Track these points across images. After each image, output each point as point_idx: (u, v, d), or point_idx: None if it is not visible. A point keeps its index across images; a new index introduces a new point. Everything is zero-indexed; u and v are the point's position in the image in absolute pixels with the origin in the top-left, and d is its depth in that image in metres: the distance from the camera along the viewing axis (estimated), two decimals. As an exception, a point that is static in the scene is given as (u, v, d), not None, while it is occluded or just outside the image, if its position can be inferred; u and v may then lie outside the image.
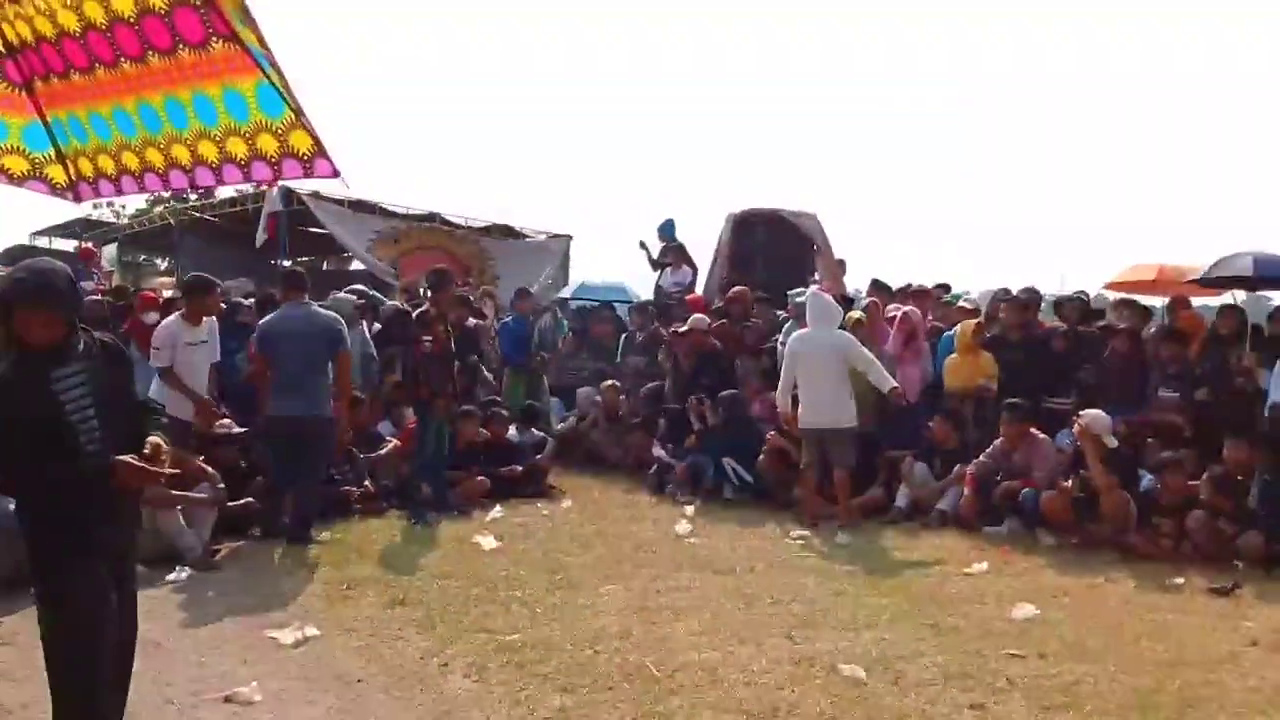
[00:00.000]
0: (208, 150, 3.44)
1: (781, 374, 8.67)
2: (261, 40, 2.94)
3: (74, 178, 3.78)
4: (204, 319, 7.89)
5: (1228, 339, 8.92)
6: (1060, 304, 10.75)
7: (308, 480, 7.66)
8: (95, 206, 32.72)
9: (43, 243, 26.22)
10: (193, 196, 30.82)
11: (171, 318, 7.91)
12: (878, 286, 11.28)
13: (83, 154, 3.73)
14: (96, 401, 3.24)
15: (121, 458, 3.24)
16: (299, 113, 3.19)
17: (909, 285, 11.37)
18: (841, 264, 13.95)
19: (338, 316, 7.98)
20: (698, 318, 10.88)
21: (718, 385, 10.15)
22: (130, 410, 3.49)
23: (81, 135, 3.66)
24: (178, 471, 3.61)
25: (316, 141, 3.27)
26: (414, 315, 8.92)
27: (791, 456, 9.03)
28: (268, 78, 3.10)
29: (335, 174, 3.32)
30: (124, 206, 33.10)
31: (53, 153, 3.74)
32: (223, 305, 10.95)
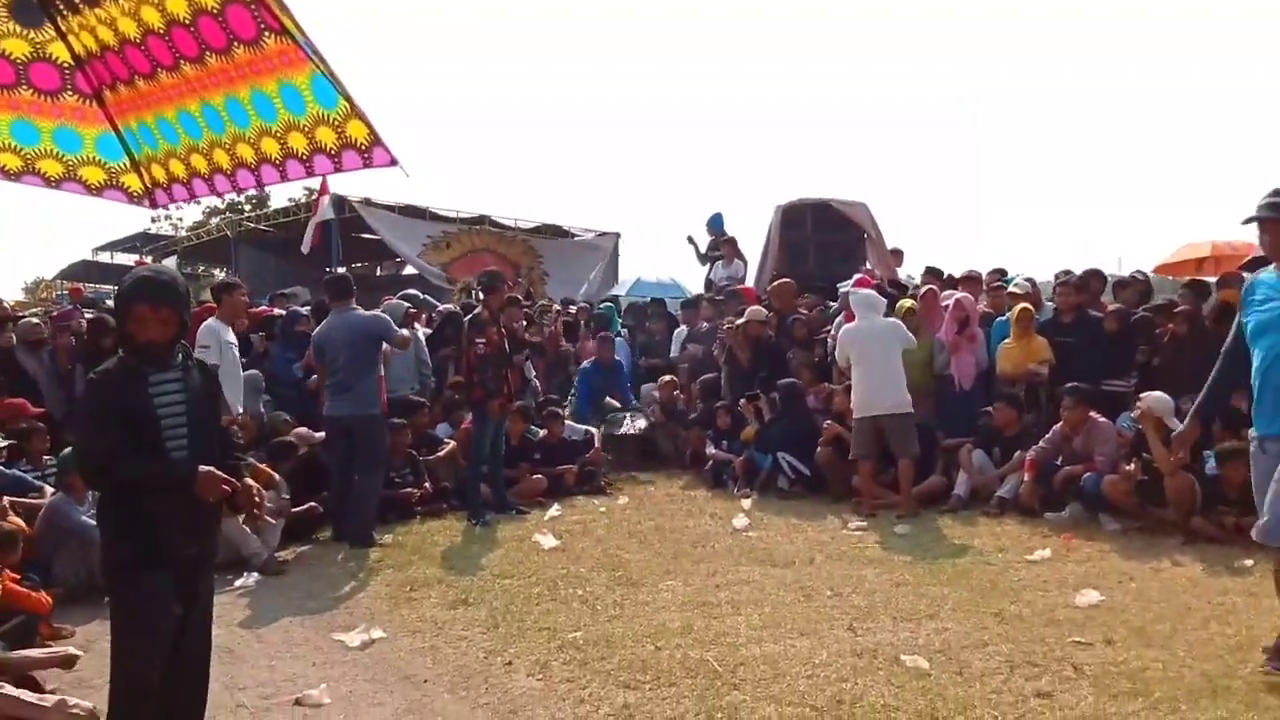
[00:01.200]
0: (270, 147, 3.49)
1: (837, 366, 8.65)
2: (300, 29, 2.99)
3: (149, 184, 3.86)
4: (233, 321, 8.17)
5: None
6: (1119, 285, 10.60)
7: (365, 482, 7.79)
8: (154, 220, 33.53)
9: (104, 258, 26.87)
10: (246, 207, 31.53)
11: (211, 319, 8.12)
12: (931, 273, 11.19)
13: (155, 160, 3.80)
14: (189, 412, 3.40)
15: (206, 467, 3.37)
16: (353, 103, 3.23)
17: (964, 272, 11.25)
18: (898, 253, 13.86)
19: (380, 315, 8.16)
20: (755, 309, 10.86)
21: (773, 377, 10.14)
22: (216, 431, 3.62)
23: (152, 141, 3.73)
24: (255, 499, 3.69)
25: (372, 131, 3.31)
26: (467, 317, 9.04)
27: (847, 444, 9.00)
28: (319, 69, 3.15)
29: (393, 162, 3.36)
30: (181, 219, 33.85)
31: (127, 161, 3.82)
32: (282, 313, 11.22)
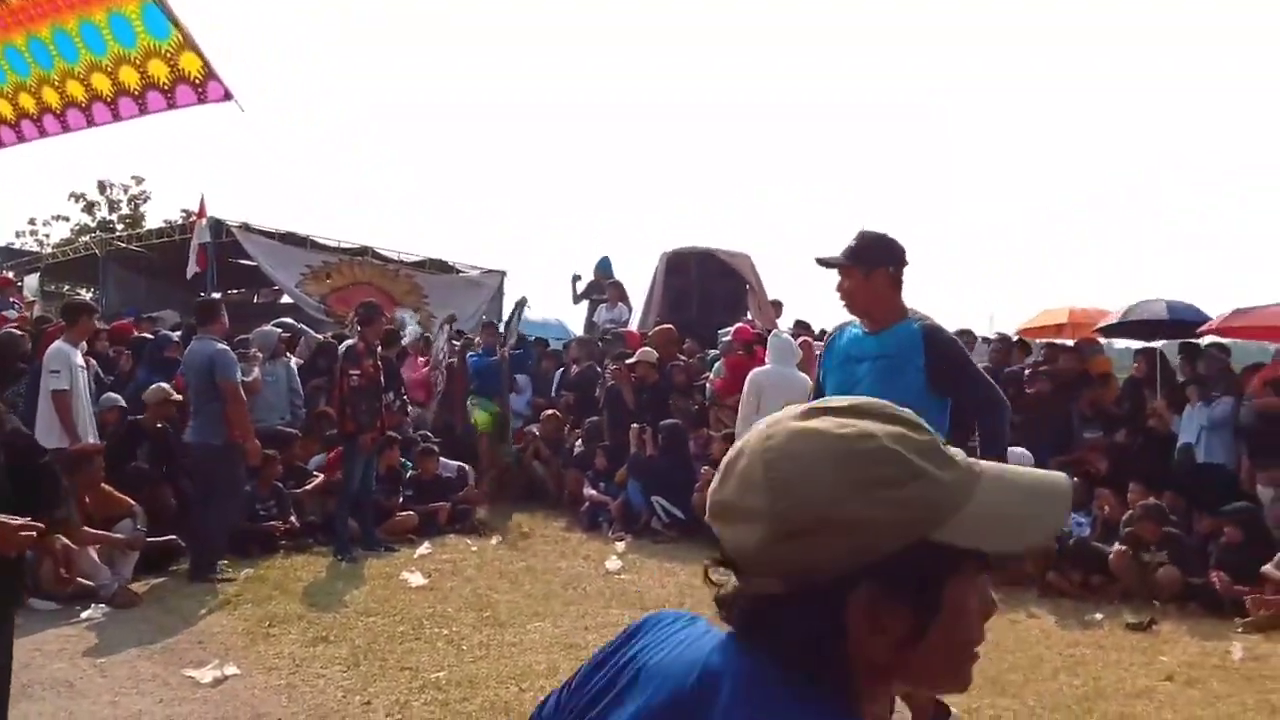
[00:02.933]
0: (101, 83, 3.33)
1: (742, 406, 8.60)
2: None
3: None
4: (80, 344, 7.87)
5: (1144, 382, 9.17)
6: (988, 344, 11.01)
7: (204, 513, 7.54)
8: (18, 235, 32.15)
9: (-39, 271, 25.57)
10: (119, 226, 30.43)
11: (59, 341, 7.79)
12: (800, 326, 11.47)
13: None
14: None
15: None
16: (186, 33, 3.12)
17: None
18: (777, 305, 14.16)
19: (224, 352, 7.61)
20: (645, 350, 10.93)
21: (656, 419, 10.21)
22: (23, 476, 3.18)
23: None
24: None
25: (206, 64, 3.19)
26: (341, 349, 8.86)
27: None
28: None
29: (228, 96, 3.23)
30: (48, 236, 32.51)
31: None
32: (149, 336, 10.84)
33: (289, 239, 16.46)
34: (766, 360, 8.80)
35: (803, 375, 8.81)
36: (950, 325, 10.52)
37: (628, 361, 10.82)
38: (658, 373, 10.78)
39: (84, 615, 6.33)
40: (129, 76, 3.23)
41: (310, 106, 71.59)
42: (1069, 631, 6.44)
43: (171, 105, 3.26)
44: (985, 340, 11.56)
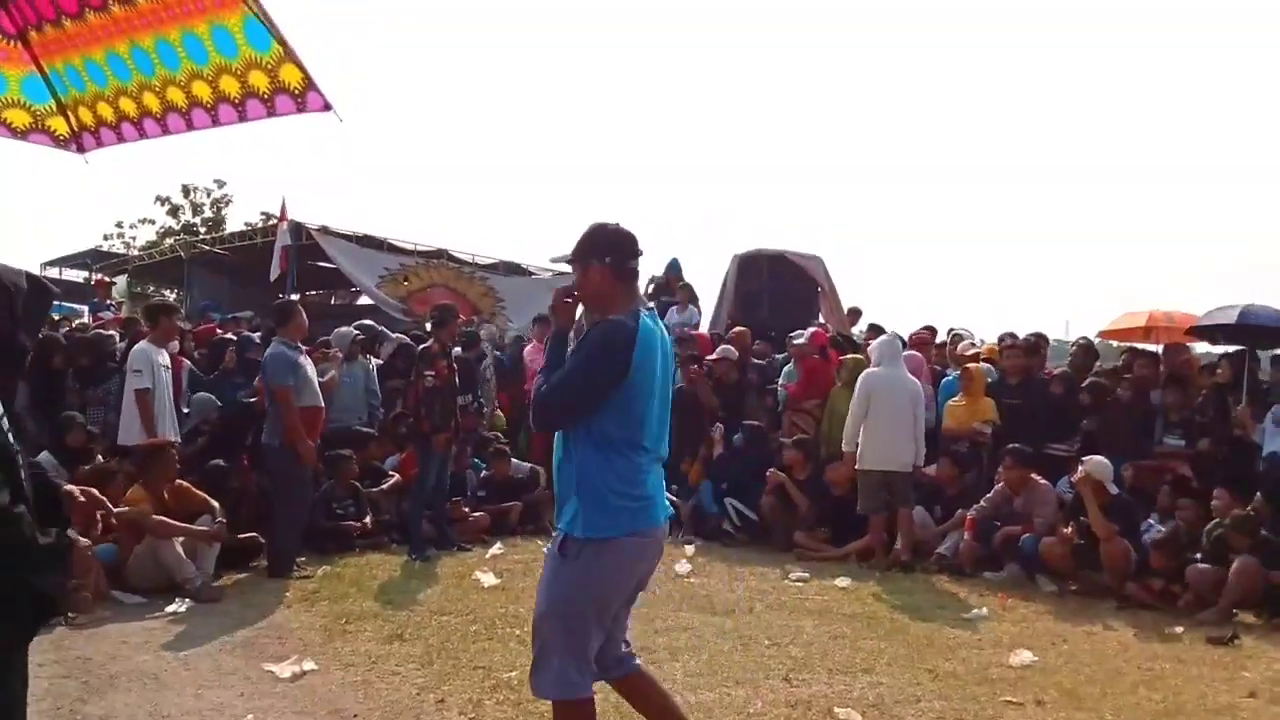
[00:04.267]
0: (201, 91, 3.40)
1: (852, 410, 8.58)
2: None
3: (76, 128, 3.74)
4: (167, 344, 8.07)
5: (1228, 388, 8.94)
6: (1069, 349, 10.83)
7: (278, 512, 7.71)
8: (106, 238, 33.15)
9: (53, 273, 26.46)
10: (201, 229, 31.18)
11: (143, 341, 8.02)
12: (875, 331, 11.36)
13: (82, 102, 3.68)
14: None
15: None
16: (287, 46, 3.18)
17: (915, 331, 11.42)
18: (855, 312, 14.07)
19: (274, 356, 7.65)
20: (726, 347, 10.97)
21: (733, 419, 10.23)
22: None
23: (79, 83, 3.61)
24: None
25: (306, 75, 3.25)
26: (417, 350, 9.00)
27: (792, 496, 9.06)
28: (252, 10, 3.10)
29: (327, 107, 3.28)
30: (134, 239, 33.49)
31: (53, 104, 3.69)
32: (233, 337, 11.11)
33: (367, 242, 16.73)
34: (874, 363, 8.73)
35: (912, 377, 8.77)
36: (1025, 329, 10.44)
37: (710, 358, 10.86)
38: (739, 371, 10.82)
39: (168, 609, 6.51)
40: (229, 85, 3.31)
41: (388, 111, 72.69)
42: (1148, 645, 6.30)
43: (271, 113, 3.34)
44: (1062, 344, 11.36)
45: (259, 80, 3.27)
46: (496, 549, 8.62)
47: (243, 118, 3.42)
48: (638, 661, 3.72)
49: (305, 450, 7.53)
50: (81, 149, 3.82)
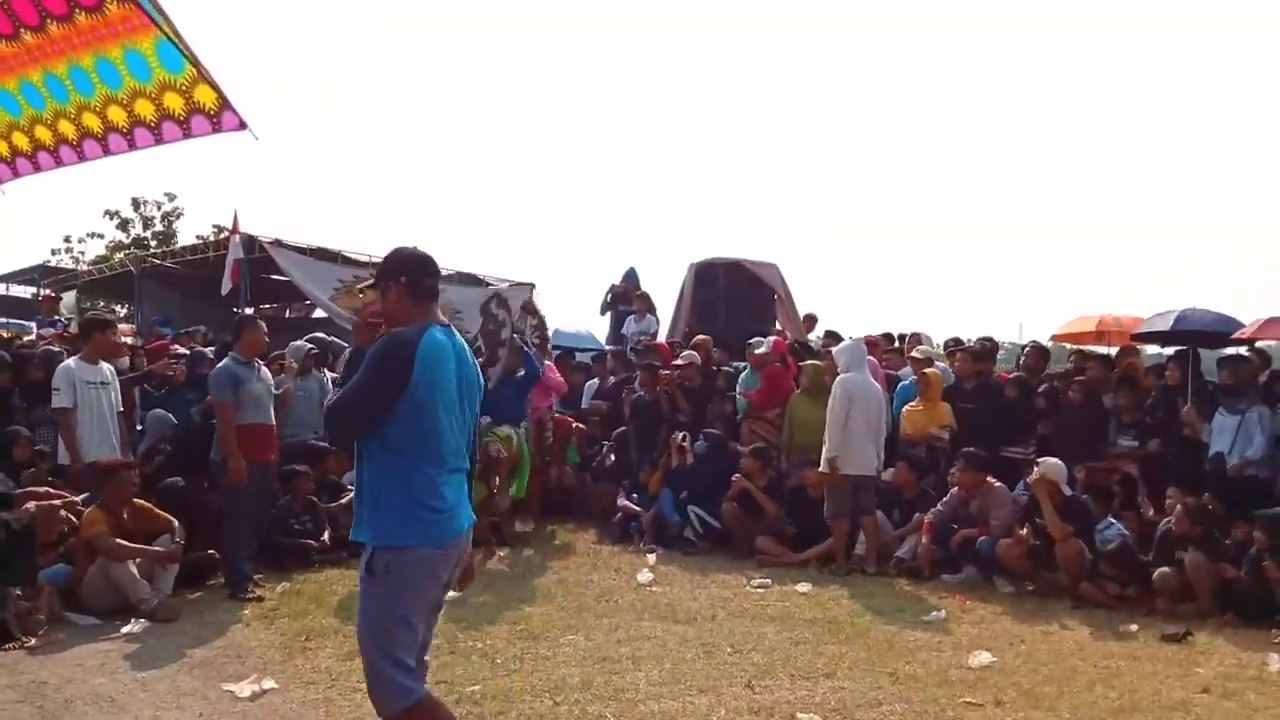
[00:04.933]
0: (117, 115, 3.42)
1: (833, 416, 8.52)
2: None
3: None
4: (101, 360, 7.89)
5: (1177, 390, 9.11)
6: (1021, 352, 10.98)
7: (224, 529, 7.58)
8: (54, 253, 32.65)
9: (-1, 289, 25.98)
10: (152, 243, 30.83)
11: (70, 359, 7.90)
12: (831, 338, 11.46)
13: None
14: None
15: None
16: (200, 67, 3.18)
17: (868, 336, 11.51)
18: (810, 319, 14.18)
19: (217, 372, 7.53)
20: (691, 354, 11.01)
21: (697, 425, 10.28)
22: None
23: None
24: None
25: (221, 95, 3.26)
26: None
27: (758, 501, 9.10)
28: (164, 34, 3.09)
29: (242, 125, 3.30)
30: (83, 253, 32.99)
31: None
32: (186, 351, 10.96)
33: (321, 254, 16.53)
34: (842, 368, 8.75)
35: (875, 383, 8.84)
36: (977, 333, 10.56)
37: (676, 363, 10.90)
38: (702, 377, 10.87)
39: (124, 630, 6.41)
40: (144, 109, 3.32)
41: (335, 123, 72.24)
42: (1103, 643, 6.41)
43: (187, 135, 3.35)
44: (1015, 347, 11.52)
45: (174, 102, 3.28)
46: (457, 562, 8.56)
47: (159, 140, 3.43)
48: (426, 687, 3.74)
49: (236, 466, 7.34)
50: None
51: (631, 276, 14.77)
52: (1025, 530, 7.74)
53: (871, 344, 11.05)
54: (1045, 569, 7.65)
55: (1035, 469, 7.78)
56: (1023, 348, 11.55)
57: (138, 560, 6.88)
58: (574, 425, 10.98)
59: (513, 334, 9.74)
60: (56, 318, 15.90)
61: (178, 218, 34.12)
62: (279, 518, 8.44)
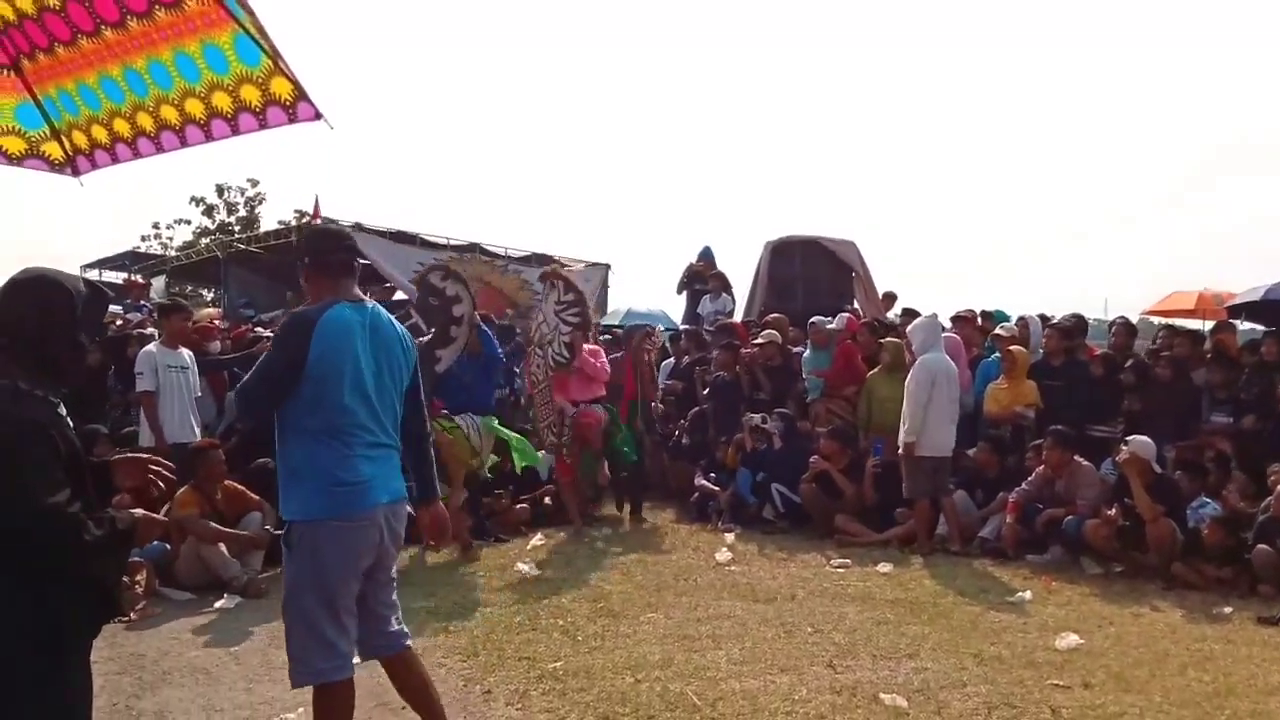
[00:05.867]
0: (194, 108, 3.45)
1: (914, 397, 8.38)
2: None
3: (70, 152, 3.82)
4: (180, 345, 8.10)
5: (1274, 366, 8.81)
6: (1109, 329, 10.72)
7: None
8: (143, 240, 33.57)
9: (92, 275, 26.83)
10: (236, 228, 31.51)
11: (151, 344, 8.11)
12: (910, 316, 11.29)
13: (76, 127, 3.74)
14: None
15: None
16: (276, 58, 3.21)
17: (954, 313, 11.30)
18: (890, 296, 13.99)
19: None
20: (771, 332, 10.97)
21: (774, 403, 10.25)
22: None
23: (73, 108, 3.68)
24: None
25: (296, 86, 3.28)
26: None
27: (836, 483, 9.03)
28: (242, 26, 3.12)
29: (317, 116, 3.32)
30: (171, 239, 33.90)
31: (47, 130, 3.77)
32: (269, 334, 11.20)
33: (400, 237, 16.82)
34: (918, 347, 8.63)
35: (952, 362, 8.72)
36: (1063, 310, 10.31)
37: (756, 342, 10.85)
38: (782, 356, 10.81)
39: (217, 605, 6.61)
40: (221, 101, 3.36)
41: (414, 105, 73.01)
42: (1196, 626, 6.24)
43: (263, 126, 3.38)
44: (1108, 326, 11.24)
45: (250, 94, 3.31)
46: (537, 540, 8.66)
47: (235, 131, 3.47)
48: (408, 642, 3.86)
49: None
50: (76, 172, 3.89)
51: (707, 255, 14.76)
52: (1114, 510, 7.55)
53: (958, 319, 10.90)
54: (1134, 549, 7.47)
55: (1124, 447, 7.58)
56: (1109, 324, 11.23)
57: (224, 543, 7.07)
58: (602, 421, 9.38)
59: (472, 311, 8.63)
60: (144, 302, 16.37)
61: (260, 203, 34.91)
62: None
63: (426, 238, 17.32)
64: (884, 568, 7.72)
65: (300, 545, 3.52)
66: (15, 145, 3.77)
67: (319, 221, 15.29)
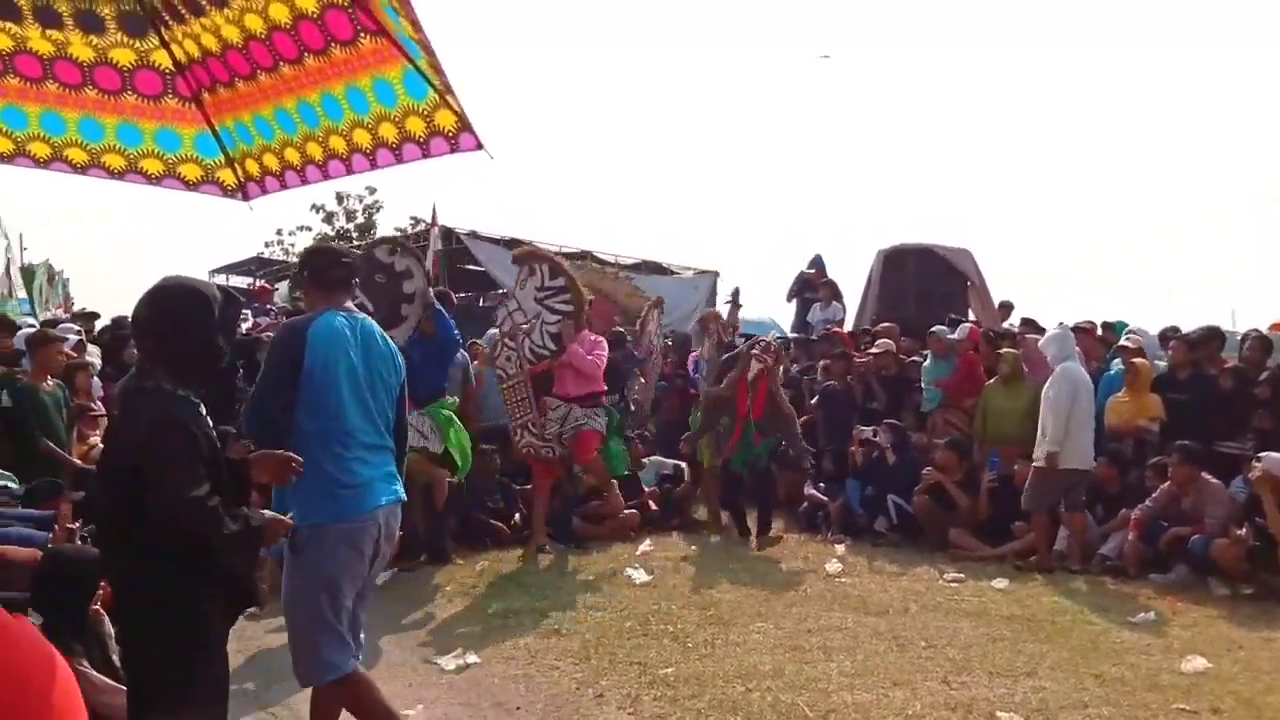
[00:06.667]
0: (361, 138, 3.61)
1: (1057, 407, 8.13)
2: (416, 25, 3.08)
3: (242, 179, 4.04)
4: None
5: None
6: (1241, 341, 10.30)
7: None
8: (267, 246, 34.76)
9: (219, 280, 27.93)
10: (354, 235, 32.39)
11: None
12: (1028, 325, 11.03)
13: (249, 155, 3.95)
14: None
15: None
16: (443, 92, 3.33)
17: (1073, 324, 10.99)
18: (1006, 306, 13.71)
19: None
20: (885, 341, 10.89)
21: (889, 413, 10.17)
22: None
23: (247, 138, 3.88)
24: None
25: (461, 118, 3.40)
26: None
27: (951, 495, 8.89)
28: (414, 64, 3.26)
29: (479, 146, 3.45)
30: (293, 245, 34.99)
31: (222, 158, 4.00)
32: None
33: (513, 245, 17.07)
34: (1053, 358, 8.45)
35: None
36: (1192, 323, 9.96)
37: (872, 350, 10.76)
38: (898, 365, 10.70)
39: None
40: (388, 132, 3.52)
41: (527, 114, 74.10)
42: (1335, 652, 5.97)
43: (426, 155, 3.52)
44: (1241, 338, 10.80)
45: (415, 125, 3.45)
46: (646, 545, 8.72)
47: (399, 160, 3.62)
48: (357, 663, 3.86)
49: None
50: (246, 197, 4.11)
51: (818, 263, 14.67)
52: (1244, 530, 7.27)
53: (1077, 331, 10.60)
54: (1266, 571, 7.17)
55: (1257, 464, 7.28)
56: (1241, 338, 10.79)
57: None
58: (599, 444, 8.65)
59: (425, 287, 8.05)
60: (270, 306, 16.99)
61: (377, 210, 35.87)
62: (472, 495, 8.79)
63: (540, 244, 17.56)
64: (999, 583, 7.56)
65: (308, 548, 3.66)
66: (192, 172, 4.02)
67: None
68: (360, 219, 35.64)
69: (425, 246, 16.11)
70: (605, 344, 8.81)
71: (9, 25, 3.44)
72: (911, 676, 5.32)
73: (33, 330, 8.97)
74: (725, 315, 11.15)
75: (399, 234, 23.66)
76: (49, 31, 3.48)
